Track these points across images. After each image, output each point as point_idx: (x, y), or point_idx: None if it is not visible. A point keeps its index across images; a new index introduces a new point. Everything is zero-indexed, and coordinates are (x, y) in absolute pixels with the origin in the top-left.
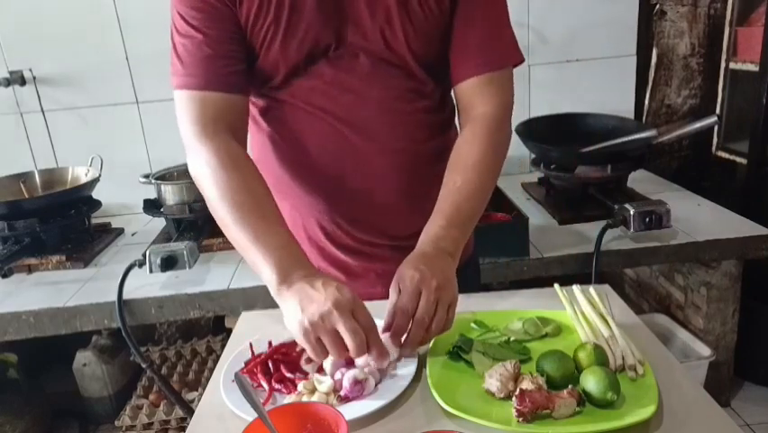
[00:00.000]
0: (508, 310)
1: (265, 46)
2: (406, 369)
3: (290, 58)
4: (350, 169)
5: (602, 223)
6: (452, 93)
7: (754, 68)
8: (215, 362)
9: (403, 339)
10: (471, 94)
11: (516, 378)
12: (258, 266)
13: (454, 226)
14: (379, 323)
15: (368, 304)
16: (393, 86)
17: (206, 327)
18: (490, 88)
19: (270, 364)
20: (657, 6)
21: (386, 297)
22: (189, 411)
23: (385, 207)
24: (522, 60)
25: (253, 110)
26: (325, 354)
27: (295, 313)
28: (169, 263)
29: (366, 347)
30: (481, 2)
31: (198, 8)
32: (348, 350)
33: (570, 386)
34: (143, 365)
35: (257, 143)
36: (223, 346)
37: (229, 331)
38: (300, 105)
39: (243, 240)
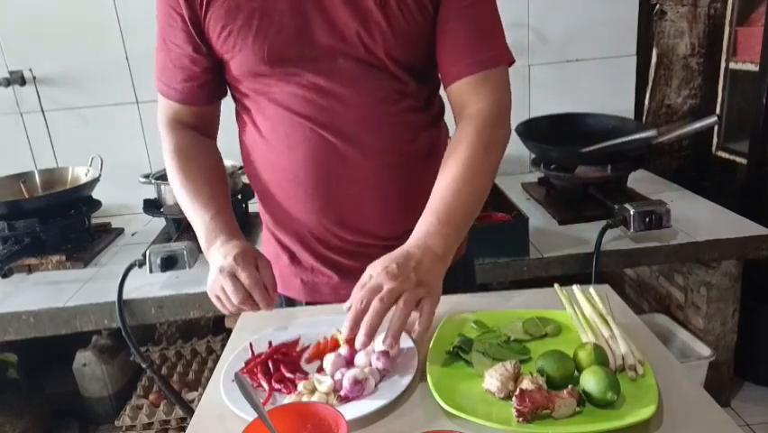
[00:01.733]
0: (508, 310)
1: (237, 51)
2: (407, 369)
3: (262, 62)
4: (334, 173)
5: (602, 223)
6: (446, 94)
7: (754, 68)
8: (215, 362)
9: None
10: (464, 93)
11: (516, 378)
12: (198, 236)
13: (445, 224)
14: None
15: None
16: (374, 88)
17: (206, 327)
18: (484, 87)
19: (270, 364)
20: (657, 6)
21: None
22: (189, 411)
23: (373, 208)
24: (512, 61)
25: (240, 110)
26: (225, 308)
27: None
28: (169, 263)
29: (249, 301)
30: (467, 2)
31: (166, 22)
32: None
33: (570, 386)
34: (143, 365)
35: (242, 141)
36: (223, 346)
37: (229, 331)
38: (280, 109)
39: (188, 214)
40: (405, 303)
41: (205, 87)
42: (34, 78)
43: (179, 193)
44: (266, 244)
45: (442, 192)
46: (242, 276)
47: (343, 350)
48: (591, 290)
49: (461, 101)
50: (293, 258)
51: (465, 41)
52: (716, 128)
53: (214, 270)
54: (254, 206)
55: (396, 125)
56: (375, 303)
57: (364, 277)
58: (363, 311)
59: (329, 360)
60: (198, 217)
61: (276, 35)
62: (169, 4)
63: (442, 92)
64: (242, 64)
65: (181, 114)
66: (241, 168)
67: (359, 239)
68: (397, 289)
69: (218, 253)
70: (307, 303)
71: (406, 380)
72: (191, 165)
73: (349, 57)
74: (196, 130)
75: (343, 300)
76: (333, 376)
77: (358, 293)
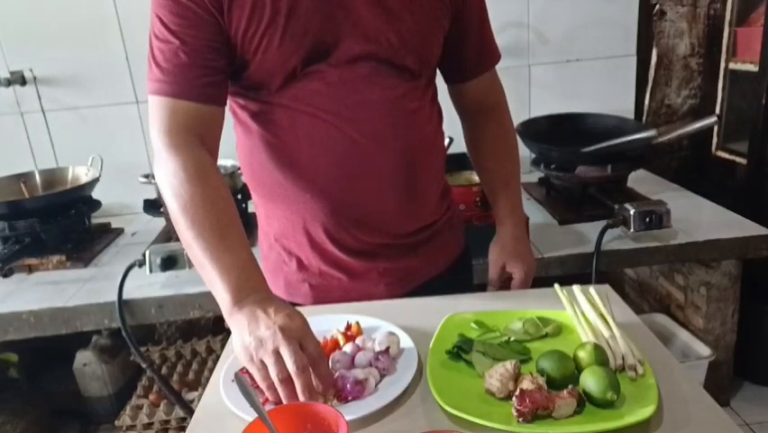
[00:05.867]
0: (508, 310)
1: (261, 51)
2: (407, 369)
3: (288, 62)
4: (356, 170)
5: (602, 223)
6: (459, 88)
7: (753, 68)
8: (215, 362)
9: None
10: (483, 88)
11: (516, 378)
12: (213, 285)
13: (519, 205)
14: (379, 323)
15: (367, 304)
16: (395, 85)
17: (206, 327)
18: (495, 80)
19: None
20: (657, 6)
21: (387, 295)
22: (189, 411)
23: (390, 206)
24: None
25: (244, 115)
26: (269, 379)
27: (241, 335)
28: (168, 263)
29: (308, 373)
30: (476, 4)
31: (178, 14)
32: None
33: (570, 386)
34: (143, 365)
35: (248, 148)
36: (223, 346)
37: (229, 331)
38: (302, 107)
39: (201, 257)
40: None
41: (223, 84)
42: (34, 78)
43: (194, 228)
44: (267, 253)
45: (511, 179)
46: (310, 343)
47: (348, 348)
48: (591, 290)
49: (480, 94)
50: (300, 264)
51: (483, 42)
52: (715, 128)
53: (269, 328)
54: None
55: (410, 123)
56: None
57: (502, 265)
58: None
59: (334, 359)
60: (232, 261)
61: (303, 35)
62: None
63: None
64: (264, 64)
65: (195, 117)
66: (240, 168)
67: (372, 238)
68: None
69: (270, 310)
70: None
71: (406, 380)
72: (212, 198)
73: (372, 55)
74: (204, 145)
75: (354, 301)
76: (338, 375)
77: (516, 285)
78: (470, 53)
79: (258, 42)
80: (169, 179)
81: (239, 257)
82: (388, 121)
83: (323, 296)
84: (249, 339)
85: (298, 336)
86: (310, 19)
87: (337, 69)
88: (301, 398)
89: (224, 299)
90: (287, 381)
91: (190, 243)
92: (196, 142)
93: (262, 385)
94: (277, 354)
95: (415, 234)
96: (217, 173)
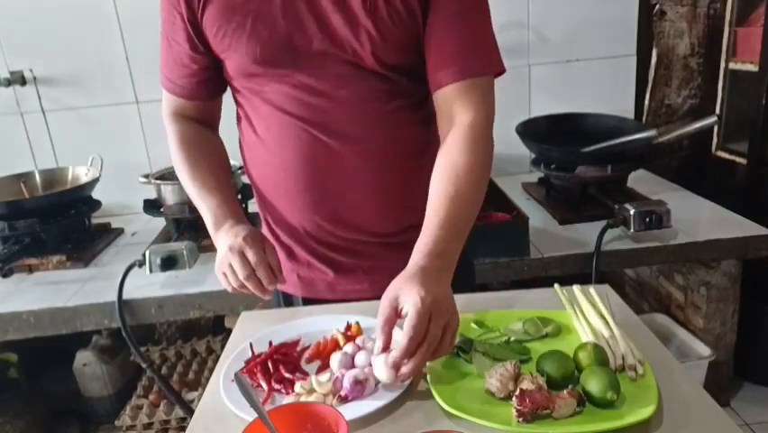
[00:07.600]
0: (508, 310)
1: (231, 50)
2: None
3: (254, 63)
4: (326, 170)
5: (602, 223)
6: (433, 99)
7: (753, 68)
8: (215, 362)
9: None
10: (451, 100)
11: (516, 378)
12: (207, 224)
13: (451, 240)
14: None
15: (367, 304)
16: (365, 87)
17: (206, 327)
18: (470, 96)
19: (270, 364)
20: (657, 6)
21: (373, 293)
22: (189, 411)
23: (366, 205)
24: (504, 70)
25: (241, 111)
26: (230, 285)
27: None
28: (168, 263)
29: (254, 278)
30: (458, 9)
31: (167, 19)
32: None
33: (570, 386)
34: (143, 365)
35: (247, 140)
36: (223, 346)
37: (229, 331)
38: (274, 109)
39: (196, 202)
40: (435, 341)
41: (205, 83)
42: (34, 78)
43: (186, 181)
44: None
45: (447, 206)
46: (249, 254)
47: (349, 348)
48: (591, 290)
49: (447, 108)
50: (290, 254)
51: (452, 49)
52: (715, 128)
53: (223, 249)
54: (254, 206)
55: (387, 124)
56: (424, 348)
57: (393, 300)
58: (417, 345)
59: (335, 359)
60: (206, 204)
61: (268, 37)
62: (170, 2)
63: None
64: (235, 64)
65: (183, 107)
66: (241, 168)
67: (352, 236)
68: (443, 324)
69: (227, 235)
70: (304, 298)
71: (406, 380)
72: (197, 155)
73: (339, 59)
74: (198, 122)
75: (339, 297)
76: (338, 375)
77: (409, 325)
78: (432, 62)
79: (228, 42)
80: (171, 147)
81: (216, 198)
82: (359, 122)
83: (310, 288)
84: (217, 260)
85: (240, 249)
86: (277, 24)
87: (303, 72)
88: (258, 293)
89: (210, 231)
90: (242, 286)
91: (188, 190)
92: (189, 119)
93: (229, 289)
94: (231, 267)
95: (402, 233)
96: (205, 139)
